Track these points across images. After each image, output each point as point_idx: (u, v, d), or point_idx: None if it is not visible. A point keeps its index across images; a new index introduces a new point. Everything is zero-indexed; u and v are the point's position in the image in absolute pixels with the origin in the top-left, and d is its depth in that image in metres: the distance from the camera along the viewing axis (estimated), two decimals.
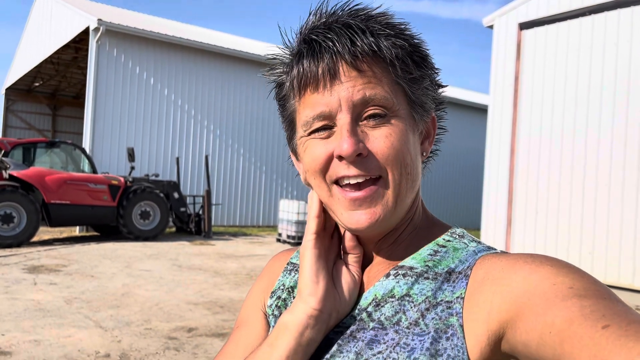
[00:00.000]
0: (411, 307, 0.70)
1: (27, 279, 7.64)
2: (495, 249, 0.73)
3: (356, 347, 0.71)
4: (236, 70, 17.85)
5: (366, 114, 0.71)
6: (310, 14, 0.75)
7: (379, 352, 0.68)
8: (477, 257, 0.70)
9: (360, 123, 0.71)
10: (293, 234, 13.39)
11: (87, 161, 13.49)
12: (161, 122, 16.63)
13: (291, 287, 0.86)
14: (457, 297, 0.67)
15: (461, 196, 23.42)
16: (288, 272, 0.89)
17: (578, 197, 8.71)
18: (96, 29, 15.26)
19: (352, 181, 0.71)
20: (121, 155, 15.71)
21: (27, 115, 27.43)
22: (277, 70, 0.78)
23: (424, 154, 0.79)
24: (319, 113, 0.71)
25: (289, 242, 13.47)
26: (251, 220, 18.38)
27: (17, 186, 11.24)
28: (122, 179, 12.99)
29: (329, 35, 0.70)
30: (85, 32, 16.43)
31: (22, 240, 11.08)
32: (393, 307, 0.71)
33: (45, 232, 13.76)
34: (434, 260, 0.74)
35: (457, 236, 0.77)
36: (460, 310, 0.66)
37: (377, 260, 0.79)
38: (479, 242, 0.76)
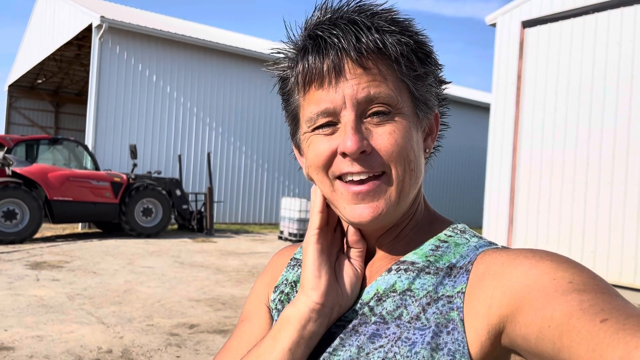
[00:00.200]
0: (412, 302, 0.71)
1: (30, 275, 7.66)
2: (496, 244, 0.74)
3: (358, 341, 0.71)
4: (239, 68, 17.85)
5: (370, 111, 0.71)
6: (315, 9, 0.75)
7: (381, 346, 0.69)
8: (478, 252, 0.71)
9: (365, 120, 0.71)
10: (295, 231, 13.40)
11: (89, 158, 13.51)
12: (163, 119, 16.64)
13: (294, 281, 0.87)
14: (458, 292, 0.68)
15: (463, 195, 23.40)
16: (291, 267, 0.90)
17: (580, 196, 8.70)
18: (99, 26, 15.27)
19: (356, 178, 0.72)
20: (123, 152, 15.73)
21: (29, 112, 27.46)
22: (282, 65, 0.78)
23: (427, 151, 0.79)
24: (324, 110, 0.72)
25: (290, 240, 13.48)
26: (253, 218, 18.40)
27: (20, 183, 11.27)
28: (124, 176, 13.01)
29: (335, 32, 0.70)
30: (88, 29, 16.45)
31: (25, 236, 11.11)
32: (394, 301, 0.72)
33: (47, 229, 13.80)
34: (435, 255, 0.74)
35: (459, 231, 0.78)
36: (461, 305, 0.66)
37: (380, 255, 0.79)
38: (480, 238, 0.76)
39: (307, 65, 0.72)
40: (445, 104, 0.83)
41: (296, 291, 0.85)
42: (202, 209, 14.88)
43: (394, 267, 0.76)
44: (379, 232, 0.78)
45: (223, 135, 17.75)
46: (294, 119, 0.79)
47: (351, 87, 0.70)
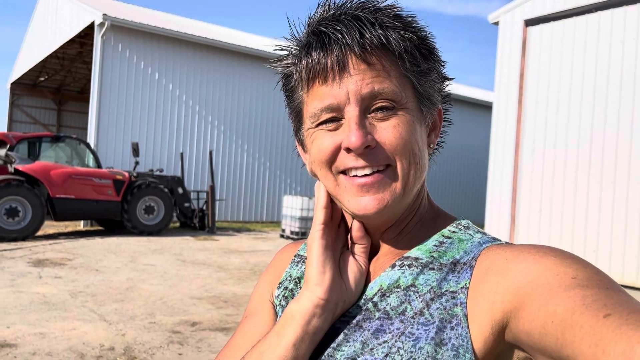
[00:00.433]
0: (416, 297, 0.71)
1: (33, 273, 7.68)
2: (500, 240, 0.74)
3: (362, 337, 0.71)
4: (241, 66, 17.85)
5: (374, 107, 0.71)
6: (318, 6, 0.75)
7: (385, 342, 0.69)
8: (482, 248, 0.71)
9: (369, 115, 0.72)
10: (297, 229, 13.40)
11: (91, 156, 13.52)
12: (165, 117, 16.65)
13: (298, 277, 0.87)
14: (462, 288, 0.68)
15: (465, 194, 23.39)
16: (295, 263, 0.90)
17: (582, 195, 8.69)
18: (101, 24, 15.28)
19: (360, 173, 0.72)
20: (126, 150, 15.74)
21: (32, 110, 27.50)
22: (285, 62, 0.78)
23: (431, 146, 0.80)
24: (327, 105, 0.72)
25: (292, 238, 13.49)
26: (255, 216, 18.41)
27: (23, 180, 11.29)
28: (126, 174, 13.02)
29: (338, 28, 0.70)
30: (91, 27, 16.45)
31: (27, 234, 11.14)
32: (398, 297, 0.72)
33: (50, 226, 13.82)
34: (439, 251, 0.74)
35: (463, 227, 0.78)
36: (465, 301, 0.67)
37: (384, 250, 0.80)
38: (484, 234, 0.77)
39: (310, 61, 0.72)
40: (449, 100, 0.83)
41: (300, 287, 0.85)
42: (204, 207, 14.89)
43: (398, 262, 0.76)
44: (382, 227, 0.79)
45: (225, 133, 17.76)
46: (297, 115, 0.80)
47: (355, 82, 0.70)
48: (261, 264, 9.47)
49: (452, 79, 0.81)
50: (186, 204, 14.40)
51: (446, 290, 0.69)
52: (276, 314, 0.87)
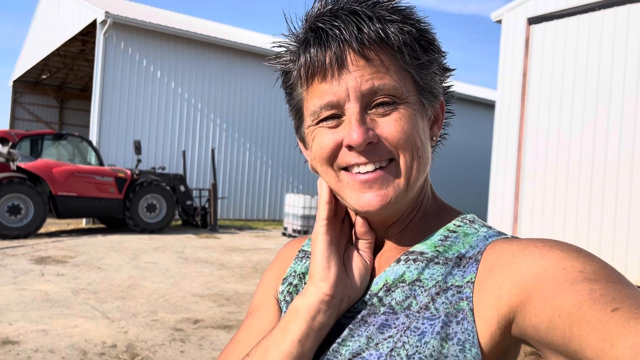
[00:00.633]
0: (421, 292, 0.70)
1: (35, 270, 7.69)
2: (505, 234, 0.74)
3: (367, 332, 0.71)
4: (243, 64, 17.85)
5: (375, 103, 0.71)
6: (315, 1, 0.74)
7: (390, 337, 0.69)
8: (488, 243, 0.71)
9: (369, 111, 0.71)
10: (299, 228, 13.41)
11: (94, 153, 13.54)
12: (168, 115, 16.66)
13: (302, 273, 0.87)
14: (468, 282, 0.68)
15: (467, 192, 23.36)
16: (299, 259, 0.90)
17: (585, 194, 8.68)
18: (103, 22, 15.28)
19: (362, 169, 0.71)
20: (128, 147, 15.75)
21: (34, 108, 27.53)
22: (284, 59, 0.77)
23: (434, 139, 0.79)
24: (327, 102, 0.71)
25: (294, 236, 13.47)
26: (257, 214, 18.42)
27: (25, 178, 11.30)
28: (128, 172, 13.03)
29: (336, 23, 0.70)
30: (93, 24, 16.46)
31: (30, 231, 11.16)
32: (404, 292, 0.72)
33: (52, 224, 13.85)
34: (444, 246, 0.74)
35: (468, 221, 0.78)
36: (471, 295, 0.66)
37: (388, 245, 0.79)
38: (490, 228, 0.76)
39: (309, 58, 0.71)
40: (451, 91, 0.83)
41: (304, 283, 0.85)
42: (206, 205, 14.90)
43: (403, 257, 0.75)
44: (387, 222, 0.78)
45: (227, 131, 17.76)
46: (298, 113, 0.79)
47: (354, 79, 0.69)
48: (263, 262, 9.47)
49: (454, 69, 0.80)
50: (188, 202, 14.42)
51: (452, 285, 0.69)
52: (280, 309, 0.87)
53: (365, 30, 0.68)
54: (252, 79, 17.99)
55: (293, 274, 0.88)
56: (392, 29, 0.69)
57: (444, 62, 0.77)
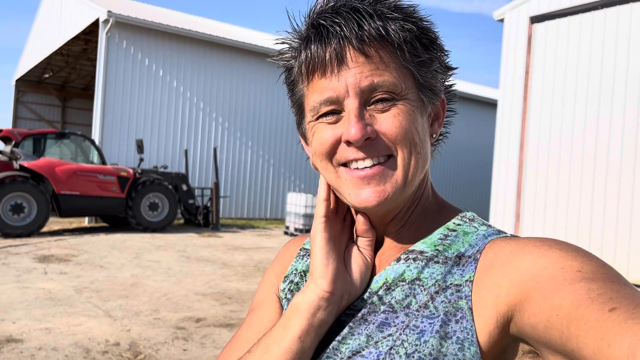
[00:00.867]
0: (421, 291, 0.71)
1: (38, 269, 7.71)
2: (505, 233, 0.74)
3: (367, 330, 0.72)
4: (246, 63, 17.85)
5: (374, 99, 0.71)
6: None
7: (389, 335, 0.69)
8: (487, 241, 0.71)
9: (368, 107, 0.72)
10: (301, 227, 13.41)
11: (96, 152, 13.57)
12: (170, 114, 16.67)
13: (303, 271, 0.87)
14: (466, 281, 0.68)
15: (469, 191, 23.34)
16: (301, 257, 0.91)
17: (587, 193, 8.66)
18: (106, 21, 15.29)
19: (361, 165, 0.72)
20: (130, 147, 15.77)
21: (37, 107, 27.58)
22: (286, 55, 0.78)
23: (434, 136, 0.79)
24: (327, 98, 0.72)
25: (296, 235, 13.48)
26: (259, 213, 18.42)
27: (28, 177, 11.33)
28: (131, 171, 13.05)
29: (337, 20, 0.70)
30: (95, 23, 16.48)
31: (32, 230, 11.18)
32: (403, 290, 0.72)
33: (54, 223, 13.88)
34: (444, 245, 0.74)
35: (468, 220, 0.78)
36: (469, 294, 0.67)
37: (389, 244, 0.80)
38: (489, 226, 0.76)
39: (310, 55, 0.72)
40: (453, 90, 0.83)
41: (305, 280, 0.85)
42: (208, 204, 14.91)
43: (403, 256, 0.76)
44: (386, 219, 0.79)
45: (229, 130, 17.77)
46: (299, 109, 0.80)
47: (354, 75, 0.70)
48: (265, 261, 9.48)
49: (456, 68, 0.80)
50: (190, 201, 14.43)
51: (451, 284, 0.69)
52: (282, 307, 0.88)
53: (365, 27, 0.69)
54: (255, 77, 17.99)
55: (294, 272, 0.89)
56: (392, 27, 0.70)
57: (446, 60, 0.78)
